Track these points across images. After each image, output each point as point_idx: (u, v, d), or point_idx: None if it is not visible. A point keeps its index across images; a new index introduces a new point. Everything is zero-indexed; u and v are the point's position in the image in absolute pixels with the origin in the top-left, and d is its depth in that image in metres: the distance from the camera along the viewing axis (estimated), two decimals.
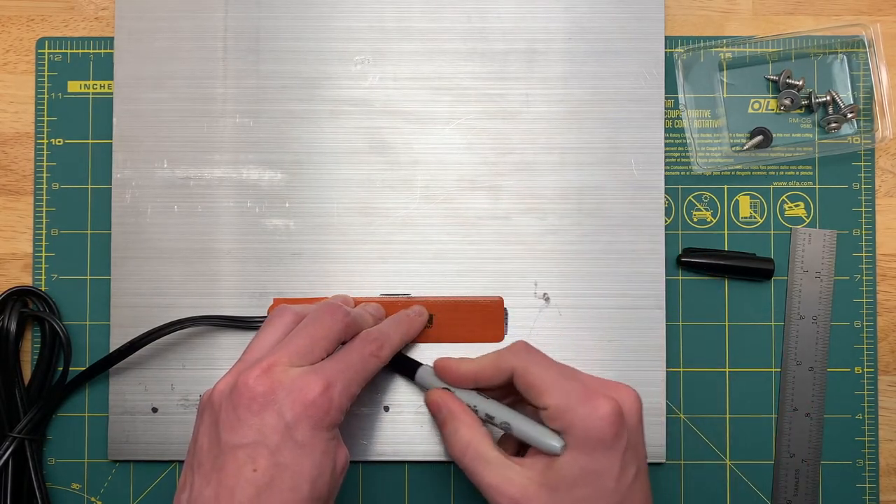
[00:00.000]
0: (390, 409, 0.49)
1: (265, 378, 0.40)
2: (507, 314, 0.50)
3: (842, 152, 0.51)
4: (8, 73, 0.52)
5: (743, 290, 0.51)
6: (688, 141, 0.51)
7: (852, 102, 0.51)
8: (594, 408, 0.40)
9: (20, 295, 0.50)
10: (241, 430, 0.39)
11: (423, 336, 0.49)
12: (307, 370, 0.40)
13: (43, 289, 0.51)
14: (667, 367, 0.50)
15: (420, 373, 0.47)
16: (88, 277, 0.51)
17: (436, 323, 0.49)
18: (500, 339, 0.49)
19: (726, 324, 0.51)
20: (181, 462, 0.50)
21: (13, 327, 0.49)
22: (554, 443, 0.41)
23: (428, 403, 0.46)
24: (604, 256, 0.50)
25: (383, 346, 0.44)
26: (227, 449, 0.39)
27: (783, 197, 0.51)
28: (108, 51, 0.51)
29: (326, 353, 0.42)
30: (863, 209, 0.51)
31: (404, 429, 0.49)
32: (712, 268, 0.50)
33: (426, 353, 0.49)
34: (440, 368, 0.46)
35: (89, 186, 0.51)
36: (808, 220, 0.51)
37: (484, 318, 0.49)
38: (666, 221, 0.51)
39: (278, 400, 0.39)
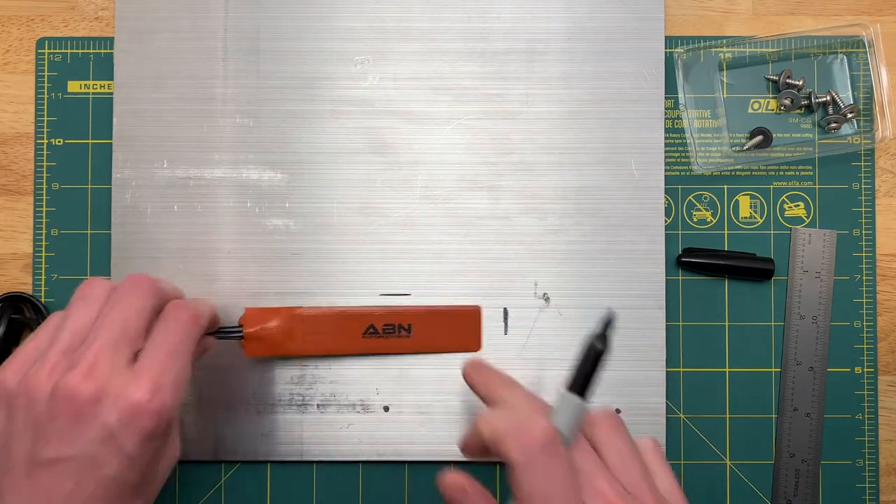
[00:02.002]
0: (390, 409, 0.49)
1: (90, 382, 0.36)
2: (507, 314, 0.50)
3: (842, 152, 0.51)
4: (8, 73, 0.52)
5: (743, 290, 0.51)
6: (688, 141, 0.51)
7: (852, 102, 0.51)
8: None
9: (14, 301, 0.50)
10: (63, 443, 0.35)
11: (400, 346, 0.49)
12: (133, 372, 0.37)
13: (43, 289, 0.51)
14: (667, 367, 0.50)
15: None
16: (87, 277, 0.51)
17: (413, 332, 0.49)
18: (477, 348, 0.49)
19: (726, 324, 0.51)
20: (181, 462, 0.50)
21: (0, 332, 0.49)
22: None
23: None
24: (604, 256, 0.50)
25: (199, 314, 0.41)
26: (45, 462, 0.35)
27: (783, 197, 0.51)
28: (108, 51, 0.51)
29: (144, 332, 0.39)
30: (863, 209, 0.51)
31: (404, 429, 0.49)
32: (712, 268, 0.50)
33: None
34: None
35: (89, 186, 0.51)
36: (808, 220, 0.51)
37: (461, 327, 0.49)
38: (666, 221, 0.51)
39: (104, 408, 0.36)
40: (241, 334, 0.47)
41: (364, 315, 0.49)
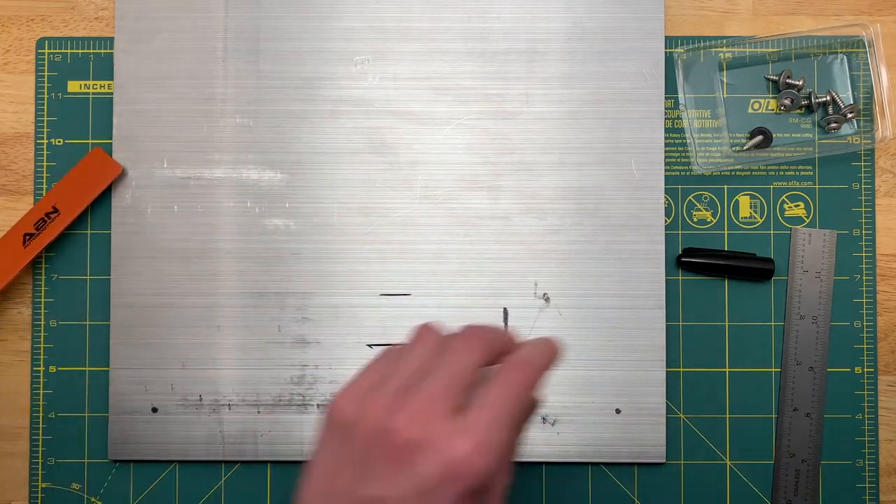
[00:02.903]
0: None
1: (416, 426, 0.34)
2: (507, 314, 0.50)
3: (842, 152, 0.51)
4: (8, 73, 0.52)
5: (743, 290, 0.51)
6: (688, 141, 0.51)
7: (852, 102, 0.51)
8: None
9: None
10: (382, 484, 0.34)
11: None
12: (459, 426, 0.34)
13: (43, 289, 0.51)
14: (667, 367, 0.50)
15: None
16: (88, 277, 0.51)
17: None
18: None
19: (726, 324, 0.51)
20: (181, 462, 0.50)
21: None
22: None
23: None
24: (604, 256, 0.50)
25: (534, 374, 0.37)
26: (365, 499, 0.34)
27: (783, 197, 0.51)
28: (108, 51, 0.51)
29: (472, 387, 0.36)
30: (863, 209, 0.51)
31: None
32: (712, 268, 0.50)
33: None
34: None
35: None
36: (808, 220, 0.51)
37: None
38: (666, 221, 0.51)
39: (426, 457, 0.34)
40: None
41: None
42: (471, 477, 0.33)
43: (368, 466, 0.35)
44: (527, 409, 0.36)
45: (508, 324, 0.50)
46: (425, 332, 0.38)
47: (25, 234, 0.49)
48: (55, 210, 0.49)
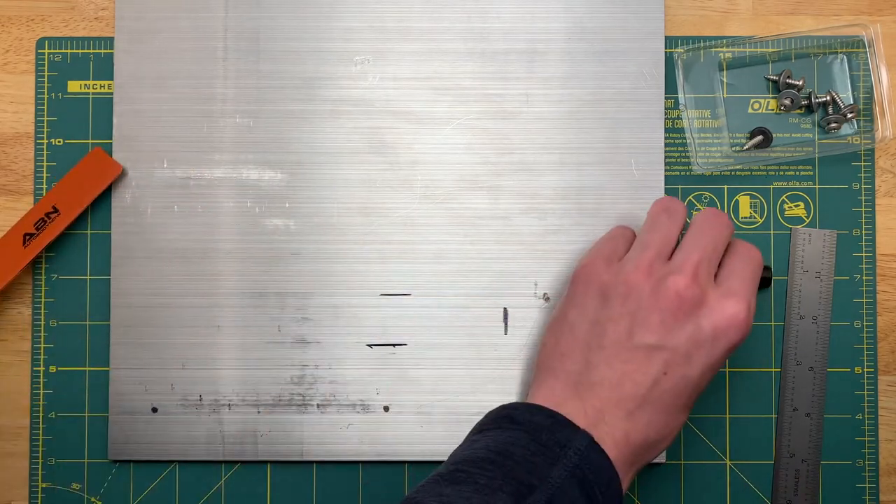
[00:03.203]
0: (390, 409, 0.49)
1: (695, 286, 0.41)
2: (507, 314, 0.50)
3: (842, 152, 0.51)
4: (8, 73, 0.52)
5: None
6: (688, 141, 0.51)
7: (852, 102, 0.51)
8: None
9: None
10: (663, 333, 0.41)
11: None
12: (724, 290, 0.42)
13: (43, 289, 0.51)
14: None
15: None
16: (88, 277, 0.51)
17: None
18: None
19: None
20: (181, 462, 0.50)
21: None
22: None
23: None
24: None
25: (756, 254, 0.45)
26: (642, 346, 0.41)
27: (783, 197, 0.51)
28: (108, 51, 0.51)
29: (717, 264, 0.43)
30: (863, 209, 0.51)
31: (404, 429, 0.49)
32: None
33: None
34: None
35: None
36: (808, 220, 0.51)
37: None
38: None
39: (703, 314, 0.41)
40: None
41: None
42: (740, 334, 0.41)
43: (645, 319, 0.41)
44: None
45: (508, 324, 0.50)
46: (672, 203, 0.46)
47: (25, 234, 0.49)
48: (55, 210, 0.49)
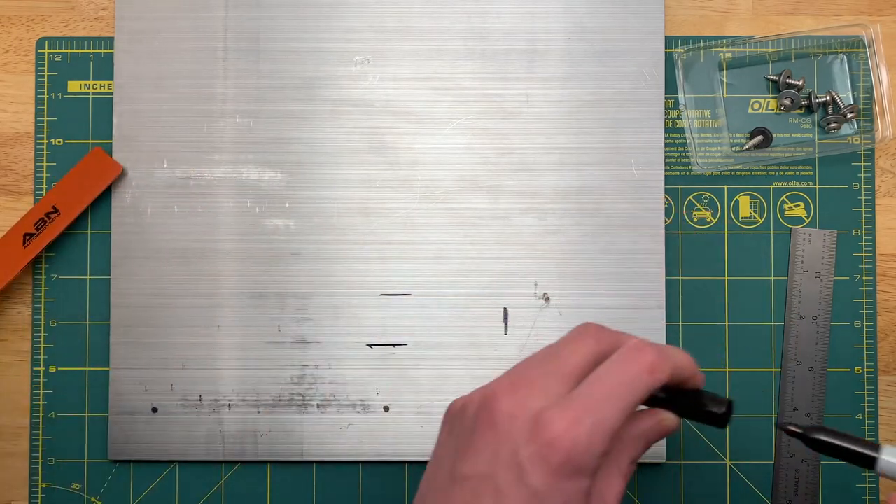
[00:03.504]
0: (390, 409, 0.49)
1: (510, 397, 0.34)
2: (507, 314, 0.50)
3: (842, 152, 0.51)
4: (8, 73, 0.52)
5: (743, 290, 0.51)
6: (688, 141, 0.51)
7: (852, 102, 0.51)
8: None
9: None
10: (475, 459, 0.33)
11: None
12: (558, 402, 0.33)
13: (43, 289, 0.51)
14: None
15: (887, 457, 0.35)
16: (88, 277, 0.51)
17: None
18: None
19: (726, 324, 0.51)
20: (181, 462, 0.50)
21: None
22: None
23: None
24: (604, 256, 0.50)
25: (662, 360, 0.34)
26: (460, 477, 0.33)
27: (783, 197, 0.51)
28: (108, 51, 0.51)
29: (582, 370, 0.35)
30: (863, 209, 0.51)
31: (404, 429, 0.49)
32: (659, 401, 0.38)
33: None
34: None
35: None
36: (808, 220, 0.51)
37: None
38: (666, 221, 0.51)
39: (516, 431, 0.33)
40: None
41: None
42: (561, 453, 0.32)
43: (465, 444, 0.34)
44: (637, 400, 0.34)
45: (508, 324, 0.50)
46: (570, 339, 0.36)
47: (25, 234, 0.49)
48: (55, 210, 0.50)
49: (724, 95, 0.52)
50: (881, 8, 0.52)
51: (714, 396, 0.37)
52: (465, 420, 0.35)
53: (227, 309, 0.50)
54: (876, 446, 0.35)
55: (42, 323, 0.51)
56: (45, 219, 0.49)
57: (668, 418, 0.36)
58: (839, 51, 0.52)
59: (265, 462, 0.50)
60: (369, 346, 0.50)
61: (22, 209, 0.51)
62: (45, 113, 0.51)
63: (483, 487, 0.33)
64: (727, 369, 0.51)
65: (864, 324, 0.51)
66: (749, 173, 0.52)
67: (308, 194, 0.50)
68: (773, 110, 0.52)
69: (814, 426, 0.37)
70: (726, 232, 0.51)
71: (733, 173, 0.52)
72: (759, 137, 0.51)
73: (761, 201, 0.51)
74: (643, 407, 0.36)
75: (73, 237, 0.51)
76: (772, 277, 0.51)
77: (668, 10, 0.52)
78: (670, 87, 0.51)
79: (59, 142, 0.51)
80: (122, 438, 0.49)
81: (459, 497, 0.33)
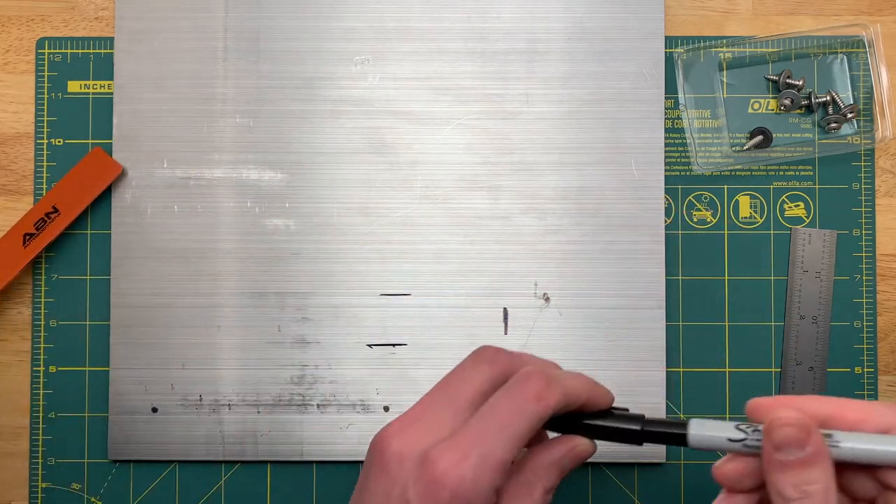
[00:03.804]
0: (390, 409, 0.49)
1: (398, 437, 0.33)
2: (507, 314, 0.50)
3: (842, 152, 0.51)
4: (8, 73, 0.52)
5: (743, 289, 0.51)
6: (688, 141, 0.51)
7: (852, 102, 0.51)
8: None
9: None
10: (370, 498, 0.33)
11: None
12: (444, 436, 0.33)
13: (43, 289, 0.51)
14: (667, 367, 0.50)
15: (696, 429, 0.34)
16: (88, 277, 0.51)
17: None
18: None
19: (726, 324, 0.51)
20: (181, 462, 0.50)
21: None
22: None
23: (723, 475, 0.34)
24: (604, 256, 0.50)
25: (549, 387, 0.33)
26: None
27: (783, 197, 0.51)
28: (108, 51, 0.51)
29: (474, 401, 0.34)
30: (863, 209, 0.51)
31: None
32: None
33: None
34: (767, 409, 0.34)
35: None
36: (808, 220, 0.51)
37: None
38: (666, 221, 0.51)
39: (404, 472, 0.32)
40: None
41: None
42: (447, 491, 0.31)
43: (364, 489, 0.34)
44: (530, 427, 0.33)
45: (508, 324, 0.50)
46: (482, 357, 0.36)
47: (25, 234, 0.49)
48: (55, 210, 0.50)
49: (724, 95, 0.52)
50: (881, 8, 0.52)
51: (626, 413, 0.36)
52: (365, 461, 0.35)
53: (227, 309, 0.50)
54: (683, 423, 0.34)
55: (42, 323, 0.51)
56: (45, 219, 0.49)
57: (581, 444, 0.35)
58: (839, 51, 0.52)
59: (265, 462, 0.50)
60: (369, 346, 0.50)
61: (22, 209, 0.51)
62: (45, 113, 0.51)
63: None
64: (727, 369, 0.51)
65: (864, 324, 0.51)
66: (749, 173, 0.52)
67: (308, 194, 0.50)
68: (773, 110, 0.52)
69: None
70: (726, 232, 0.51)
71: (733, 173, 0.52)
72: (759, 137, 0.51)
73: (761, 201, 0.51)
74: (554, 435, 0.36)
75: (73, 237, 0.51)
76: (772, 277, 0.51)
77: (668, 10, 0.52)
78: (670, 87, 0.51)
79: (59, 142, 0.51)
80: (122, 438, 0.49)
81: None
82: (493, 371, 0.35)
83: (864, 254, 0.51)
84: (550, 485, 0.34)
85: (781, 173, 0.52)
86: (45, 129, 0.51)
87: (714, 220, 0.51)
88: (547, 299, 0.50)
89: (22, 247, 0.49)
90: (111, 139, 0.50)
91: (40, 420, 0.50)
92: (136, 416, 0.49)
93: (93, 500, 0.50)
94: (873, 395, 0.51)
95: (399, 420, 0.34)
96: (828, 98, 0.51)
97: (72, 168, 0.50)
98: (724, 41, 0.51)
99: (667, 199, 0.51)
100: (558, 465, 0.35)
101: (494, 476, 0.32)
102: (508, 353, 0.36)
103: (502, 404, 0.33)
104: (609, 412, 0.36)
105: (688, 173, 0.52)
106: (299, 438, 0.49)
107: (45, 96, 0.51)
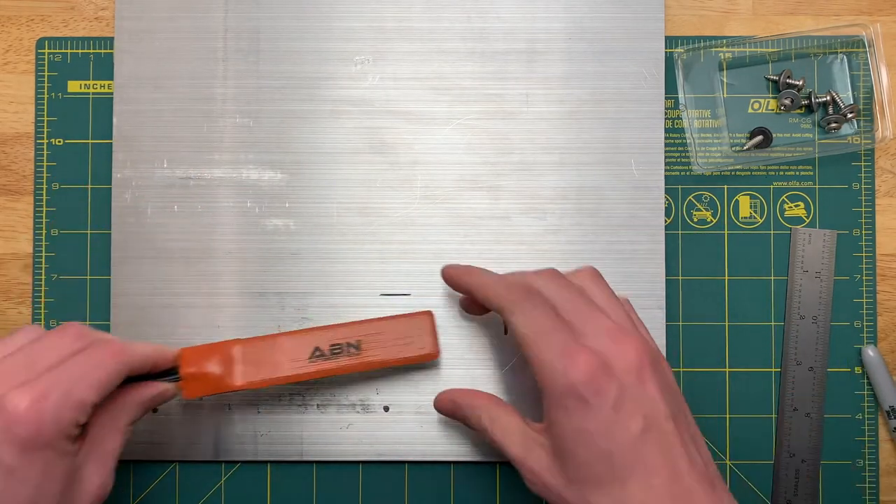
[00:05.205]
0: (390, 409, 0.49)
1: None
2: None
3: (842, 152, 0.51)
4: (8, 73, 0.52)
5: (743, 290, 0.51)
6: (688, 141, 0.51)
7: (852, 102, 0.51)
8: (569, 365, 0.37)
9: None
10: None
11: (349, 366, 0.46)
12: (17, 384, 0.37)
13: (43, 289, 0.51)
14: None
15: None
16: (88, 277, 0.51)
17: (363, 348, 0.46)
18: (435, 355, 0.47)
19: (726, 324, 0.51)
20: (181, 462, 0.50)
21: None
22: None
23: (441, 405, 0.47)
24: (604, 256, 0.50)
25: (125, 348, 0.40)
26: None
27: (783, 197, 0.51)
28: (108, 51, 0.51)
29: (53, 362, 0.38)
30: (863, 209, 0.51)
31: (404, 429, 0.49)
32: None
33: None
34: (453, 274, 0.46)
35: (89, 186, 0.51)
36: (808, 220, 0.51)
37: (413, 335, 0.47)
38: (666, 221, 0.51)
39: None
40: (177, 376, 0.44)
41: (307, 337, 0.46)
42: (28, 428, 0.36)
43: None
44: (107, 377, 0.39)
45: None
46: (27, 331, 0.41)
47: None
48: None
49: (724, 95, 0.52)
50: (881, 8, 0.52)
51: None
52: None
53: (227, 309, 0.50)
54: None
55: (42, 323, 0.51)
56: None
57: (162, 387, 0.43)
58: (839, 51, 0.52)
59: (265, 462, 0.50)
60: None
61: (22, 209, 0.51)
62: (45, 113, 0.51)
63: None
64: (727, 369, 0.51)
65: (864, 324, 0.51)
66: (749, 173, 0.52)
67: (308, 194, 0.50)
68: (773, 110, 0.52)
69: None
70: (726, 232, 0.51)
71: (733, 173, 0.52)
72: (759, 137, 0.51)
73: (761, 201, 0.51)
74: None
75: (73, 237, 0.51)
76: (772, 277, 0.51)
77: (668, 10, 0.52)
78: (670, 87, 0.51)
79: (59, 142, 0.51)
80: None
81: None
82: (77, 344, 0.39)
83: (864, 254, 0.51)
84: (133, 418, 0.42)
85: (781, 173, 0.52)
86: (45, 129, 0.51)
87: (714, 220, 0.51)
88: None
89: None
90: (111, 139, 0.50)
91: None
92: None
93: None
94: (873, 396, 0.51)
95: None
96: (828, 98, 0.51)
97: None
98: (724, 41, 0.51)
99: (667, 199, 0.51)
100: (140, 403, 0.42)
101: (75, 413, 0.37)
102: (93, 332, 0.41)
103: (82, 359, 0.39)
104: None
105: (688, 173, 0.52)
106: (299, 438, 0.49)
107: (45, 96, 0.51)
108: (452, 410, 0.46)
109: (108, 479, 0.40)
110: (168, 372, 0.44)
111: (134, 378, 0.42)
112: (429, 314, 0.47)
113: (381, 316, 0.47)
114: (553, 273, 0.42)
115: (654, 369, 0.38)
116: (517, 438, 0.41)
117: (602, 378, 0.37)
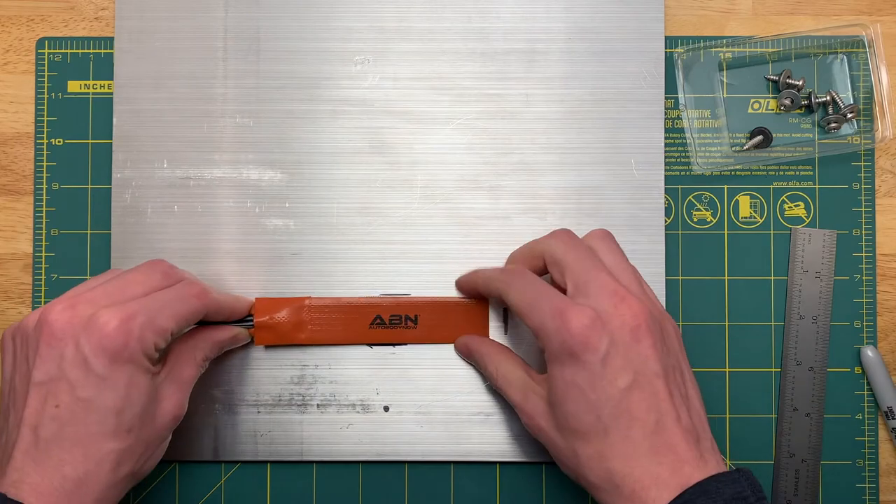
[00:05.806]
0: (390, 409, 0.49)
1: (67, 311, 0.40)
2: (507, 314, 0.50)
3: (842, 152, 0.51)
4: (8, 73, 0.52)
5: (743, 290, 0.51)
6: (688, 141, 0.51)
7: (852, 102, 0.51)
8: (560, 324, 0.40)
9: None
10: (42, 367, 0.40)
11: (406, 336, 0.49)
12: (109, 305, 0.41)
13: (43, 289, 0.51)
14: None
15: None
16: (88, 277, 0.51)
17: (420, 322, 0.49)
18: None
19: (726, 324, 0.51)
20: (181, 462, 0.50)
21: None
22: None
23: (458, 348, 0.49)
24: None
25: (206, 291, 0.44)
26: (31, 386, 0.40)
27: (783, 197, 0.51)
28: (108, 51, 0.51)
29: (139, 293, 0.42)
30: (863, 209, 0.51)
31: (404, 429, 0.49)
32: None
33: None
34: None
35: (89, 186, 0.51)
36: (808, 220, 0.51)
37: (469, 318, 0.49)
38: (666, 221, 0.51)
39: (77, 334, 0.39)
40: (251, 323, 0.48)
41: (371, 306, 0.49)
42: (117, 340, 0.39)
43: (34, 358, 0.40)
44: (189, 314, 0.43)
45: (509, 324, 0.50)
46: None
47: None
48: None
49: (724, 95, 0.52)
50: (881, 8, 0.52)
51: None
52: (27, 339, 0.41)
53: None
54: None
55: None
56: None
57: (237, 331, 0.47)
58: (839, 51, 0.52)
59: (265, 462, 0.50)
60: (369, 345, 0.50)
61: (22, 209, 0.51)
62: (45, 113, 0.51)
63: (57, 386, 0.39)
64: (727, 369, 0.51)
65: (864, 324, 0.51)
66: (749, 173, 0.52)
67: (308, 194, 0.50)
68: (773, 110, 0.52)
69: None
70: (726, 232, 0.51)
71: (733, 173, 0.52)
72: (759, 137, 0.51)
73: (761, 201, 0.51)
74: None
75: (73, 237, 0.51)
76: (772, 277, 0.51)
77: (668, 10, 0.52)
78: (670, 87, 0.51)
79: (59, 142, 0.51)
80: None
81: (36, 399, 0.39)
82: (165, 281, 0.43)
83: (864, 254, 0.51)
84: (207, 354, 0.45)
85: (781, 173, 0.52)
86: (45, 129, 0.51)
87: (714, 220, 0.51)
88: None
89: None
90: (111, 139, 0.50)
91: None
92: None
93: None
94: (873, 396, 0.51)
95: (63, 298, 0.41)
96: (828, 98, 0.51)
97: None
98: (724, 41, 0.51)
99: (667, 199, 0.51)
100: (219, 344, 0.46)
101: (157, 337, 0.41)
102: (179, 271, 0.45)
103: (169, 293, 0.43)
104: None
105: (688, 173, 0.52)
106: (299, 438, 0.49)
107: (45, 96, 0.51)
108: (467, 354, 0.49)
109: (184, 402, 0.44)
110: (242, 322, 0.48)
111: (211, 323, 0.46)
112: (486, 303, 0.49)
113: (443, 296, 0.49)
114: (564, 233, 0.45)
115: (650, 329, 0.40)
116: (518, 385, 0.44)
117: (592, 334, 0.39)
